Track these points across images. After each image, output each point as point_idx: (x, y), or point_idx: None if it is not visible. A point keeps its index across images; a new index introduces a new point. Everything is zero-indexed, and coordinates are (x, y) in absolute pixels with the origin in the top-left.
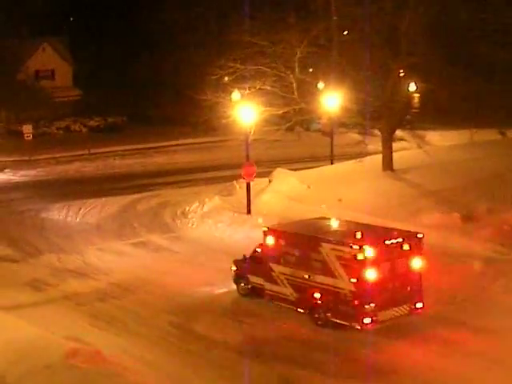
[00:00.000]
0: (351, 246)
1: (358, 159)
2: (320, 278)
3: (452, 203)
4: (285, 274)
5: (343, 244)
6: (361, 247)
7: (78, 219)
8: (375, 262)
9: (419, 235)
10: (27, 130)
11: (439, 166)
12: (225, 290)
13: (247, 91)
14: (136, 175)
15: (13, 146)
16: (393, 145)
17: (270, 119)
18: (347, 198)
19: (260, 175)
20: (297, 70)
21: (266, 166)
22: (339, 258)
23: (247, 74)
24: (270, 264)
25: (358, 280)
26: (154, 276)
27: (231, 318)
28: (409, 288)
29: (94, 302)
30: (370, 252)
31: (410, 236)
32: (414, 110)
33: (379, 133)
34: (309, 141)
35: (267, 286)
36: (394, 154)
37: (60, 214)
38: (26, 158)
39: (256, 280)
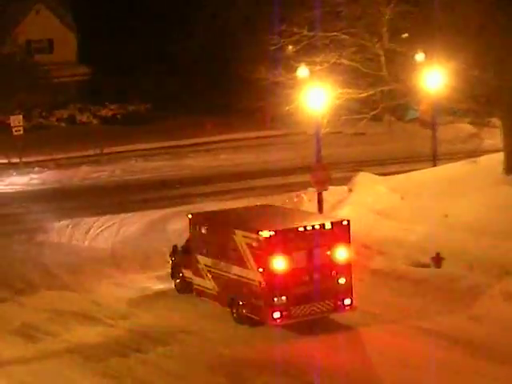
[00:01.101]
0: (258, 233)
1: (471, 159)
2: (235, 269)
3: None
4: (207, 266)
5: (251, 230)
6: (267, 234)
7: (86, 243)
8: (285, 251)
9: (344, 222)
10: (16, 122)
11: None
12: (288, 342)
13: (318, 67)
14: (165, 183)
15: None
16: None
17: (349, 105)
18: (456, 214)
19: (336, 182)
20: (385, 36)
21: (345, 170)
22: (249, 246)
23: (318, 44)
24: (196, 255)
25: (264, 270)
26: (191, 321)
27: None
28: (333, 281)
29: (110, 357)
30: (276, 239)
31: (334, 223)
32: None
33: (499, 123)
34: (403, 134)
35: (195, 280)
36: None
37: (62, 236)
38: (16, 160)
39: (187, 274)
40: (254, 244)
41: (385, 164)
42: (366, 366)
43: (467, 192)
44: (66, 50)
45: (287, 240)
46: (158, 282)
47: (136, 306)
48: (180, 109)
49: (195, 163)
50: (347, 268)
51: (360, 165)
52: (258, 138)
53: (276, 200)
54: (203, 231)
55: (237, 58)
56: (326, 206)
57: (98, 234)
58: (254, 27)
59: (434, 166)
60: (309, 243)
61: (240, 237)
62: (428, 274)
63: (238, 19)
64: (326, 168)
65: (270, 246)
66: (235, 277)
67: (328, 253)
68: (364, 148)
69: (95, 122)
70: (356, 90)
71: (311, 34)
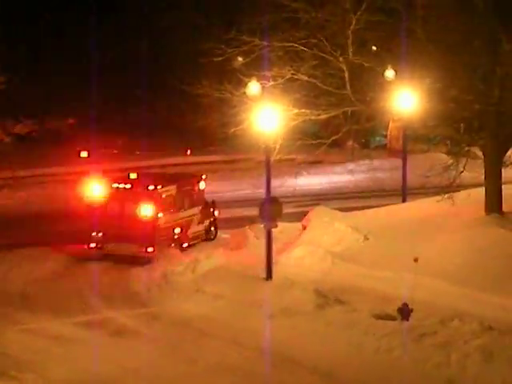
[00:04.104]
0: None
1: (447, 195)
2: None
3: None
4: None
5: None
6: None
7: None
8: (105, 201)
9: (150, 187)
10: None
11: None
12: None
13: (271, 82)
14: None
15: None
16: (503, 173)
17: (306, 128)
18: (427, 258)
19: (288, 218)
20: (350, 49)
21: (299, 204)
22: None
23: (271, 56)
24: None
25: (90, 213)
26: (114, 375)
27: None
28: (139, 231)
29: None
30: (97, 191)
31: (140, 185)
32: None
33: (481, 153)
34: (368, 164)
35: None
36: (505, 188)
37: None
38: None
39: None
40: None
41: (346, 198)
42: None
43: (441, 233)
44: None
45: (106, 192)
46: (81, 329)
47: (50, 357)
48: (110, 126)
49: None
50: (151, 222)
51: (316, 198)
52: (197, 163)
53: (219, 236)
54: None
55: (175, 69)
56: (276, 245)
57: (6, 271)
58: (197, 33)
59: (404, 201)
60: (121, 197)
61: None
62: (394, 328)
63: (178, 24)
64: (276, 201)
65: (93, 196)
66: None
67: (134, 207)
68: (322, 179)
69: (7, 139)
70: (314, 111)
71: (264, 43)
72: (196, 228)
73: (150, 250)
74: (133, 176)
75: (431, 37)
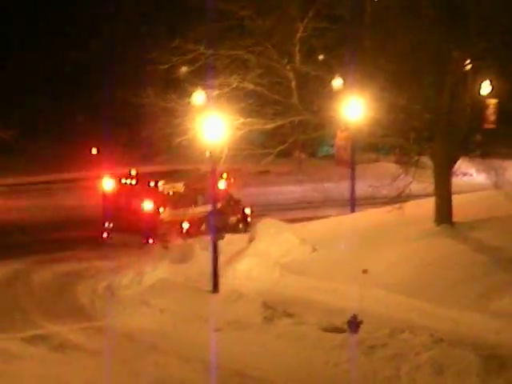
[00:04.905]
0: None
1: (396, 205)
2: None
3: None
4: None
5: None
6: (105, 180)
7: None
8: (113, 194)
9: (151, 183)
10: None
11: None
12: None
13: (216, 91)
14: (31, 226)
15: None
16: (453, 183)
17: (253, 138)
18: (377, 270)
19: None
20: (298, 57)
21: None
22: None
23: (217, 64)
24: None
25: (103, 206)
26: None
27: None
28: (141, 223)
29: None
30: (108, 185)
31: (143, 181)
32: (488, 126)
33: (431, 163)
34: (315, 174)
35: None
36: (455, 198)
37: None
38: None
39: None
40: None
41: (293, 209)
42: None
43: (391, 244)
44: None
45: (114, 187)
46: (23, 345)
47: None
48: (54, 137)
49: (69, 202)
50: (153, 216)
51: (264, 209)
52: (145, 173)
53: (167, 251)
54: None
55: (120, 78)
56: (222, 257)
57: None
58: (141, 42)
59: (353, 212)
60: (127, 192)
61: None
62: (343, 341)
63: (122, 32)
64: (223, 212)
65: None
66: None
67: (138, 201)
68: (269, 189)
69: None
70: (261, 120)
71: (209, 51)
72: None
73: (150, 241)
74: (133, 173)
75: (380, 45)
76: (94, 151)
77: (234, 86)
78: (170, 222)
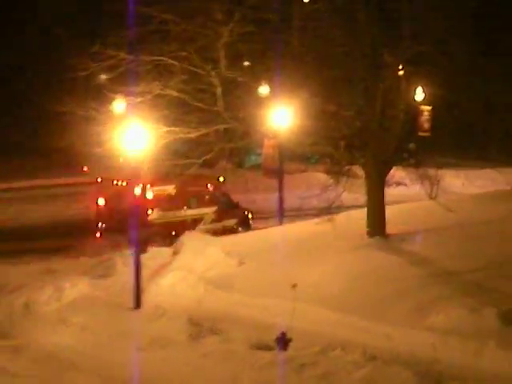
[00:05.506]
0: (96, 180)
1: (326, 217)
2: None
3: (484, 293)
4: None
5: None
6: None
7: None
8: (106, 194)
9: (139, 185)
10: None
11: (463, 229)
12: None
13: (138, 99)
14: None
15: None
16: (386, 193)
17: (178, 147)
18: (307, 284)
19: (158, 242)
20: (223, 63)
21: None
22: None
23: (139, 70)
24: None
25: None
26: None
27: None
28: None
29: None
30: (103, 187)
31: (133, 183)
32: (422, 134)
33: (362, 172)
34: (241, 184)
35: None
36: (388, 209)
37: None
38: None
39: None
40: None
41: None
42: None
43: (321, 257)
44: None
45: (107, 187)
46: None
47: None
48: None
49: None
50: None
51: None
52: (64, 185)
53: (87, 263)
54: None
55: (37, 85)
56: (145, 272)
57: None
58: (57, 47)
59: (281, 224)
60: (120, 192)
61: None
62: (272, 359)
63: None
64: (145, 225)
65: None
66: None
67: (128, 204)
68: None
69: None
70: (185, 129)
71: (131, 57)
72: (208, 226)
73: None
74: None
75: (309, 49)
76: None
77: (157, 92)
78: (160, 225)
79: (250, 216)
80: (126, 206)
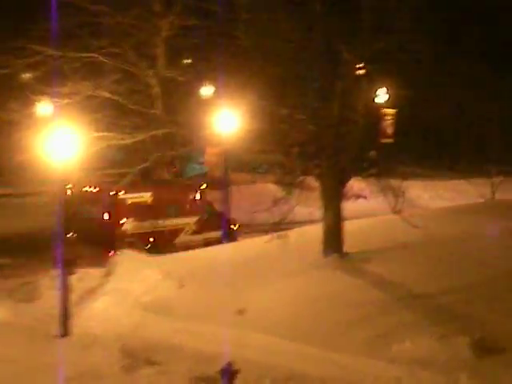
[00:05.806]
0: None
1: (277, 233)
2: None
3: (454, 319)
4: None
5: None
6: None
7: None
8: (78, 203)
9: (111, 192)
10: None
11: (429, 247)
12: None
13: (66, 101)
14: None
15: None
16: (344, 207)
17: (112, 155)
18: (255, 309)
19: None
20: (161, 60)
21: None
22: None
23: (66, 68)
24: None
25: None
26: None
27: None
28: (102, 234)
29: None
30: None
31: (104, 190)
32: (384, 141)
33: (317, 184)
34: None
35: None
36: (346, 225)
37: None
38: None
39: None
40: None
41: None
42: None
43: (271, 279)
44: None
45: (76, 194)
46: None
47: None
48: None
49: None
50: (111, 225)
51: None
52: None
53: (6, 285)
54: None
55: None
56: (74, 296)
57: None
58: None
59: (226, 241)
60: (90, 201)
61: None
62: None
63: None
64: (74, 243)
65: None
66: None
67: (97, 210)
68: None
69: None
70: (119, 134)
71: (57, 53)
72: (189, 238)
73: (110, 253)
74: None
75: (257, 44)
76: None
77: (87, 94)
78: (135, 235)
79: (235, 228)
80: (95, 215)
